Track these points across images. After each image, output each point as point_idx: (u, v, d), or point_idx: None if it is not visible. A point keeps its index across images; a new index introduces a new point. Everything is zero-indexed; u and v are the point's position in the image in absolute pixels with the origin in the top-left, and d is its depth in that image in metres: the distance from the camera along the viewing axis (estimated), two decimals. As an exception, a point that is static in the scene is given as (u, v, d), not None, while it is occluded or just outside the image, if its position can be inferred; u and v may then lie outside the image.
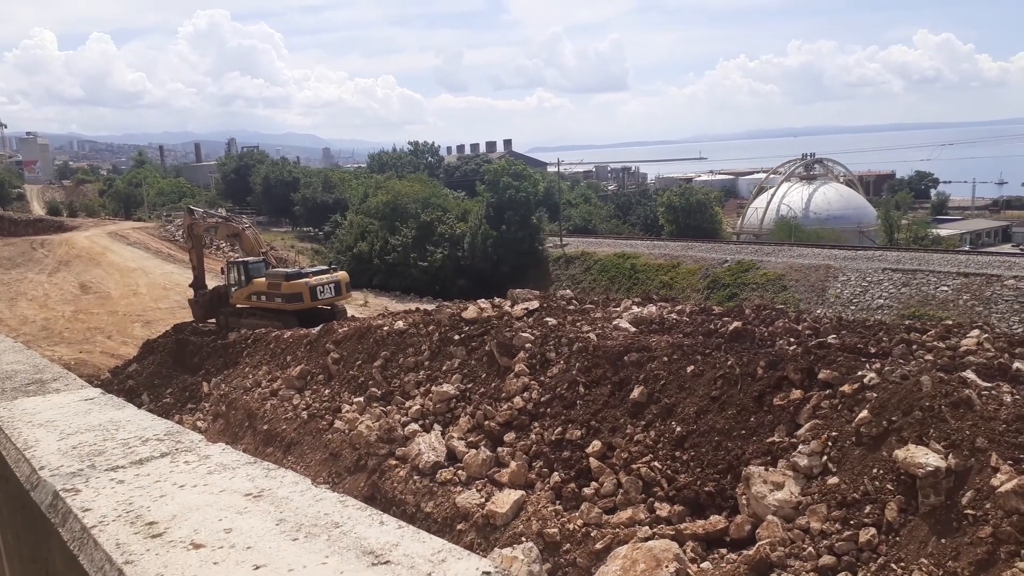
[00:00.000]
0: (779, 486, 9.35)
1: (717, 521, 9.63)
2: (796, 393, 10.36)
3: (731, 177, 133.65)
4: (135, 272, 47.76)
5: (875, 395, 9.53)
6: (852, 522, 8.53)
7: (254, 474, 1.80)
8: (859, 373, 10.05)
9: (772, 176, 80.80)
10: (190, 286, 29.00)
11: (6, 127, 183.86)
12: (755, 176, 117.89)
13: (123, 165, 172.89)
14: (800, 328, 12.50)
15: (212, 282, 29.66)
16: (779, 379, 10.73)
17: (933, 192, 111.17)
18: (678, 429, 11.05)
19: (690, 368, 11.73)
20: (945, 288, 35.03)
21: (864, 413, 9.35)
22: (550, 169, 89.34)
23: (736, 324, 12.58)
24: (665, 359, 12.08)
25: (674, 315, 14.59)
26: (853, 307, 36.57)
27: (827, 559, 8.32)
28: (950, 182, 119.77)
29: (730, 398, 10.96)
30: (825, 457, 9.36)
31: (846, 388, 9.92)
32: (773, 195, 70.38)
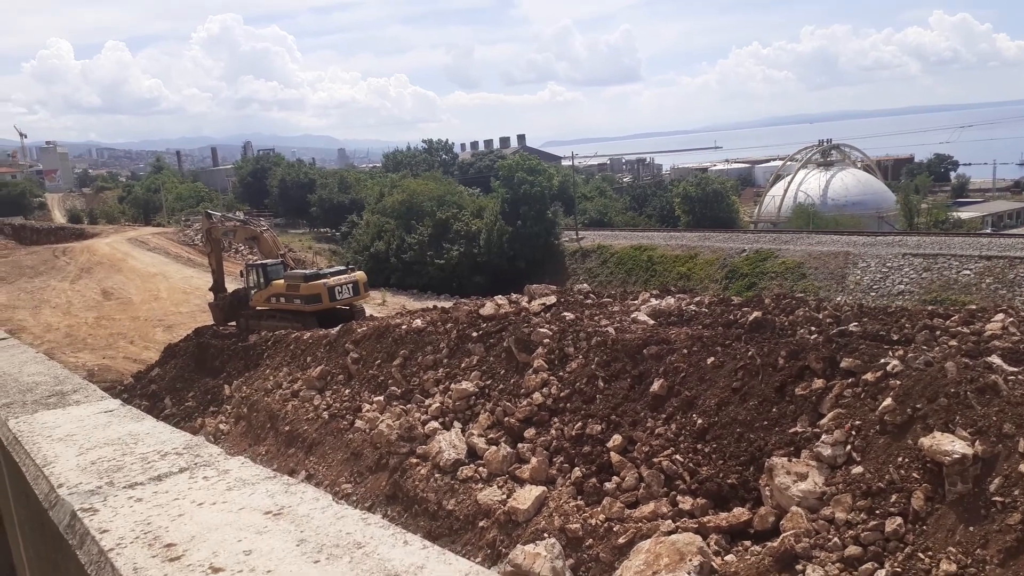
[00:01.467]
0: (803, 477, 9.26)
1: (740, 513, 9.57)
2: (818, 382, 10.25)
3: (747, 166, 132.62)
4: (156, 277, 48.21)
5: (899, 383, 9.41)
6: (878, 512, 8.43)
7: (274, 490, 1.76)
8: (882, 361, 9.94)
9: (789, 163, 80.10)
10: (210, 290, 29.20)
11: (26, 137, 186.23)
12: (771, 164, 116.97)
13: (141, 171, 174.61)
14: (821, 317, 12.38)
15: (232, 285, 29.87)
16: (801, 369, 10.63)
17: (953, 175, 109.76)
18: (699, 421, 10.99)
19: (710, 360, 11.65)
20: (967, 272, 34.57)
21: (888, 401, 9.24)
22: (564, 163, 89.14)
23: (756, 314, 12.48)
24: (685, 351, 12.00)
25: (693, 307, 14.50)
26: (873, 293, 36.21)
27: (853, 549, 8.23)
28: (970, 164, 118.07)
29: (751, 389, 10.87)
30: (849, 446, 9.26)
31: (869, 376, 9.80)
32: (790, 182, 69.79)
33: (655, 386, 11.83)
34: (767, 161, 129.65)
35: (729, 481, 10.09)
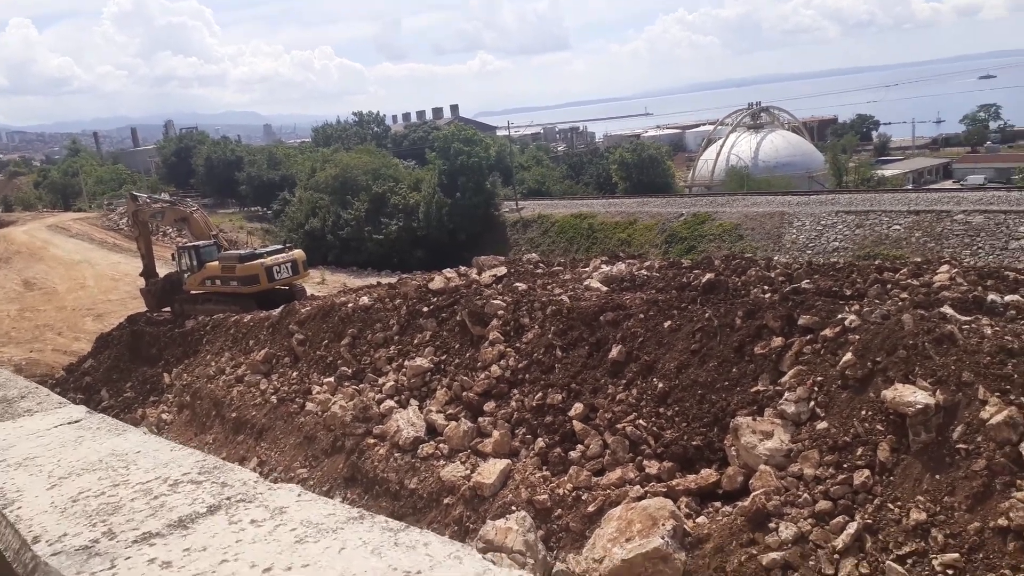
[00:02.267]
0: (768, 435, 9.31)
1: (708, 475, 9.58)
2: (777, 341, 10.30)
3: (678, 131, 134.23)
4: (80, 264, 46.12)
5: (857, 337, 9.51)
6: (845, 465, 8.52)
7: (375, 541, 1.24)
8: (839, 316, 10.03)
9: (719, 127, 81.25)
10: (140, 275, 28.01)
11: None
12: (701, 129, 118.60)
13: (56, 155, 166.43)
14: (773, 276, 12.46)
15: (163, 269, 28.68)
16: (758, 328, 10.66)
17: (875, 134, 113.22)
18: (660, 385, 10.95)
19: (667, 323, 11.61)
20: (897, 227, 35.70)
21: (848, 356, 9.33)
22: (499, 133, 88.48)
23: (709, 276, 12.48)
24: (641, 316, 11.94)
25: (644, 271, 14.46)
26: (809, 251, 37.09)
27: (823, 504, 8.31)
28: (890, 123, 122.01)
29: (710, 350, 10.87)
30: (812, 403, 9.33)
31: (827, 332, 9.89)
32: (722, 146, 70.83)
33: (613, 352, 11.74)
34: (697, 126, 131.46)
35: (694, 443, 10.09)
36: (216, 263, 24.60)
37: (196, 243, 25.82)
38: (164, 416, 20.17)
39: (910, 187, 60.32)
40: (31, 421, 2.27)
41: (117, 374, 23.63)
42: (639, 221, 44.82)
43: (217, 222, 43.19)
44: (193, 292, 25.77)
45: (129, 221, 41.33)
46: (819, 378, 9.51)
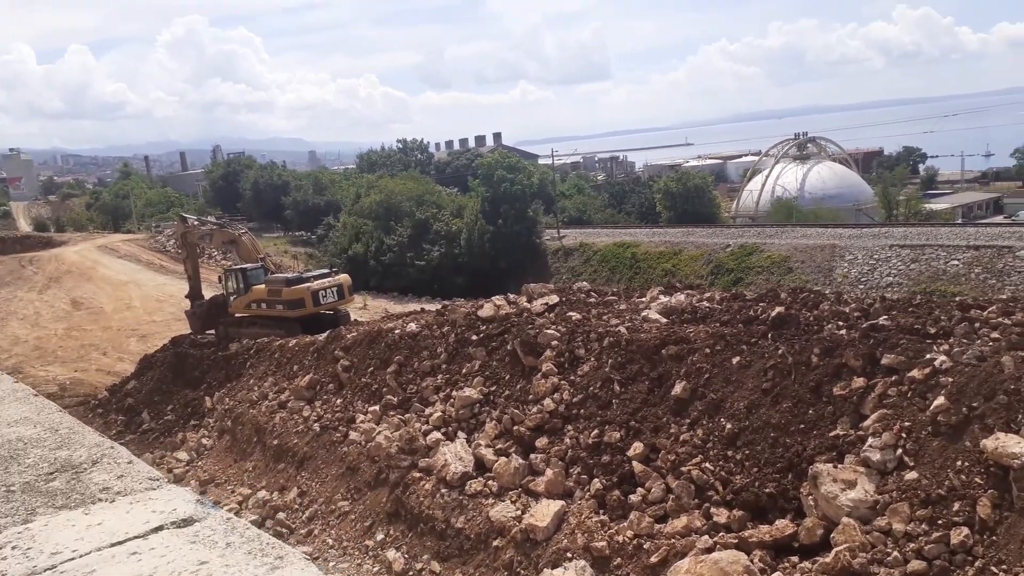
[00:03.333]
0: (851, 484, 8.58)
1: (784, 526, 8.86)
2: (858, 381, 9.58)
3: (719, 161, 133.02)
4: (127, 285, 46.68)
5: (950, 380, 8.77)
6: (940, 522, 7.77)
7: None
8: (927, 356, 9.29)
9: (764, 158, 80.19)
10: (186, 297, 28.05)
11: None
12: (744, 159, 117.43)
13: (108, 178, 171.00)
14: (847, 311, 11.73)
15: (208, 292, 28.71)
16: (837, 367, 9.96)
17: (922, 167, 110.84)
18: (728, 426, 10.27)
19: (736, 359, 10.95)
20: (955, 262, 34.39)
21: (940, 400, 8.59)
22: (540, 161, 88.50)
23: (778, 310, 11.80)
24: (707, 351, 11.29)
25: (705, 303, 13.81)
26: (862, 286, 35.92)
27: (917, 564, 7.56)
28: (938, 156, 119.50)
29: (784, 390, 10.18)
30: (900, 450, 8.59)
31: (915, 373, 9.15)
32: (767, 177, 69.73)
33: (677, 389, 11.10)
34: (739, 156, 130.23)
35: (767, 491, 9.38)
36: (262, 286, 24.47)
37: (243, 266, 25.76)
38: (204, 441, 19.91)
39: (959, 221, 58.55)
40: (113, 514, 1.74)
41: (159, 396, 23.49)
42: (684, 251, 43.99)
43: (262, 246, 43.51)
44: (238, 315, 25.66)
45: (177, 243, 41.76)
46: (907, 423, 8.77)
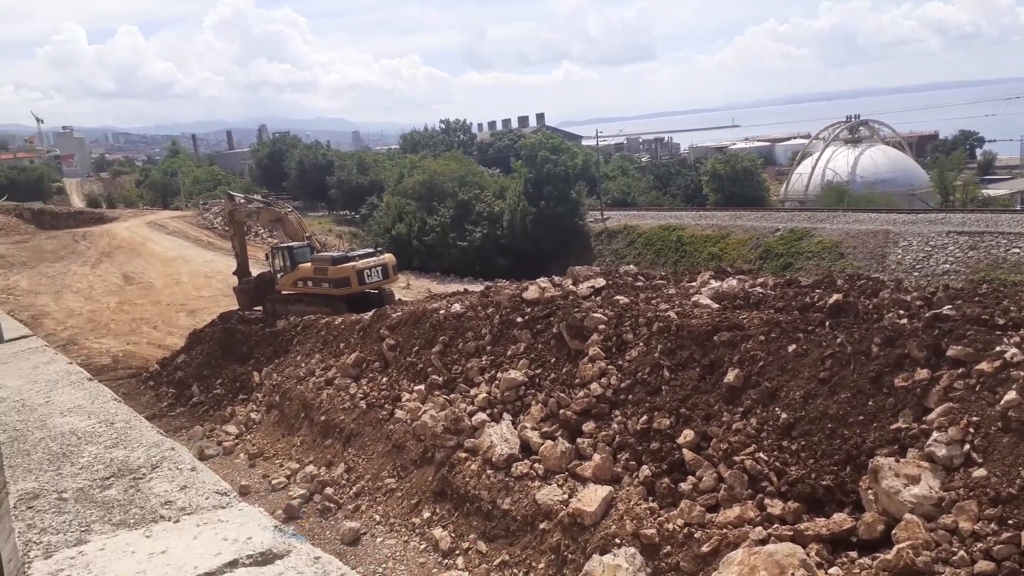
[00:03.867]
0: (914, 480, 8.29)
1: (843, 520, 8.61)
2: (922, 373, 9.25)
3: (767, 144, 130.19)
4: (176, 261, 47.59)
5: (1022, 374, 8.40)
6: (1011, 522, 7.46)
7: None
8: (998, 349, 8.91)
9: (814, 141, 78.28)
10: (234, 273, 28.44)
11: (43, 122, 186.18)
12: (792, 142, 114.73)
13: (157, 155, 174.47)
14: (908, 299, 11.32)
15: (255, 269, 29.09)
16: (899, 357, 9.62)
17: (979, 152, 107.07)
18: (783, 416, 10.02)
19: (791, 347, 10.66)
20: (1017, 250, 33.18)
21: (1012, 395, 8.23)
22: (584, 142, 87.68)
23: (836, 297, 11.44)
24: (761, 338, 11.02)
25: (758, 288, 13.48)
26: (916, 273, 34.90)
27: (984, 565, 7.28)
28: (996, 141, 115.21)
29: (842, 380, 9.88)
30: (967, 446, 8.27)
31: (984, 366, 8.79)
32: (817, 160, 68.08)
33: (730, 376, 10.85)
34: (788, 139, 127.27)
35: (824, 483, 9.13)
36: (309, 264, 24.68)
37: (290, 244, 26.00)
38: (253, 415, 20.22)
39: (1020, 207, 56.46)
40: (179, 539, 1.56)
41: (208, 370, 23.92)
42: (731, 235, 43.23)
43: (308, 224, 43.93)
44: (285, 292, 25.94)
45: (224, 220, 42.37)
46: (975, 418, 8.44)
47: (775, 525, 8.95)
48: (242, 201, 28.46)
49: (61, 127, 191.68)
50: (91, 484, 1.93)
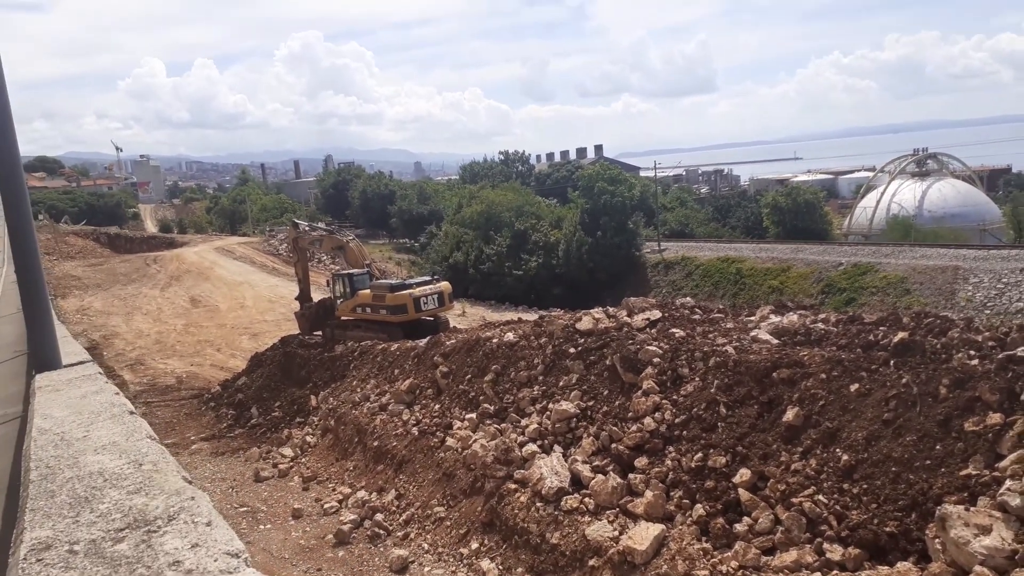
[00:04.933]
0: (985, 530, 7.86)
1: (907, 570, 8.21)
2: (994, 417, 8.81)
3: (830, 176, 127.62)
4: (242, 286, 48.95)
5: (1103, 422, 7.94)
6: (1091, 579, 7.01)
7: None
8: (1077, 395, 8.45)
9: (879, 174, 76.44)
10: (296, 299, 29.11)
11: (122, 151, 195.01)
12: (856, 175, 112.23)
13: (228, 183, 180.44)
14: (980, 339, 10.86)
15: (317, 295, 29.69)
16: (969, 400, 9.20)
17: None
18: (845, 458, 9.66)
19: (854, 387, 10.30)
20: (1098, 289, 31.66)
21: (1092, 444, 7.78)
22: (642, 174, 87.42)
23: (902, 335, 11.04)
24: (823, 376, 10.68)
25: (820, 324, 13.12)
26: (988, 311, 33.56)
27: (1062, 624, 6.85)
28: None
29: (907, 422, 9.49)
30: (1043, 496, 7.82)
31: (1061, 413, 8.34)
32: (882, 193, 66.43)
33: (789, 415, 10.54)
34: (851, 172, 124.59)
35: (887, 529, 8.74)
36: (367, 291, 25.10)
37: (350, 271, 26.50)
38: (308, 438, 20.49)
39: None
40: None
41: (268, 393, 24.41)
42: (792, 268, 42.37)
43: (368, 252, 44.72)
44: (344, 318, 26.39)
45: (289, 247, 43.45)
46: (1051, 467, 7.98)
47: (834, 571, 8.60)
48: (306, 229, 29.19)
49: (139, 155, 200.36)
50: (104, 536, 1.94)
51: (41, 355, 9.52)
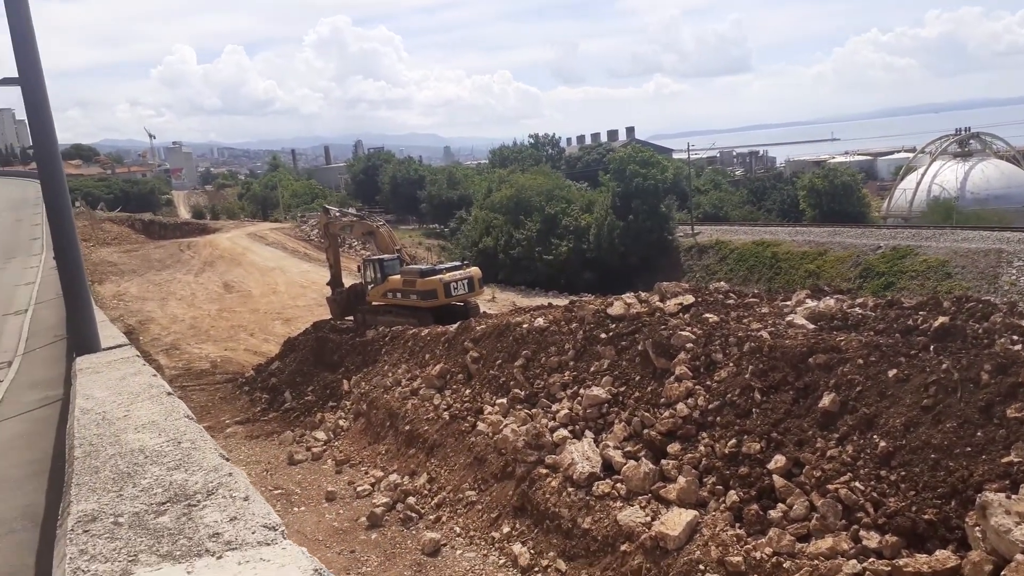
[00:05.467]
0: (1028, 519, 7.68)
1: (946, 558, 8.06)
2: (1038, 404, 8.58)
3: (868, 158, 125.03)
4: (274, 271, 49.45)
5: None
6: None
7: None
8: None
9: (920, 155, 74.73)
10: (327, 284, 29.32)
11: (155, 138, 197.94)
12: (895, 156, 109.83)
13: (259, 169, 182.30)
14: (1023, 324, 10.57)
15: (348, 280, 29.89)
16: (1012, 386, 8.96)
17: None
18: (882, 444, 9.48)
19: (892, 372, 10.09)
20: None
21: None
22: (675, 156, 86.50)
23: (942, 320, 10.79)
24: (860, 362, 10.48)
25: (857, 309, 12.87)
26: (1032, 295, 32.72)
27: (1109, 616, 6.66)
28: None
29: (947, 408, 9.28)
30: (1090, 485, 7.61)
31: (1110, 399, 8.08)
32: (923, 175, 64.96)
33: (825, 401, 10.37)
34: (891, 153, 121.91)
35: (925, 516, 8.57)
36: (398, 277, 25.18)
37: (381, 256, 26.60)
38: (341, 422, 20.70)
39: None
40: (219, 572, 1.54)
41: (300, 377, 24.68)
42: (830, 252, 41.66)
43: (399, 237, 44.89)
44: (375, 303, 26.53)
45: (320, 232, 43.77)
46: (1099, 455, 7.76)
47: (871, 559, 8.47)
48: (337, 215, 29.34)
49: (171, 142, 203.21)
50: (147, 509, 1.97)
51: (81, 338, 9.72)
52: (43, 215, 32.04)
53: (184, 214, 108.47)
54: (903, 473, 9.12)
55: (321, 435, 20.33)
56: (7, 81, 10.35)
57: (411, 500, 15.10)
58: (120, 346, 7.15)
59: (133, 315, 37.66)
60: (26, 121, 10.36)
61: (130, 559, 1.82)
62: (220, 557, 1.78)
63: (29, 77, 9.79)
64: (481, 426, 15.64)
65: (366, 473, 17.35)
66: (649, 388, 13.34)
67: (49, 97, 10.00)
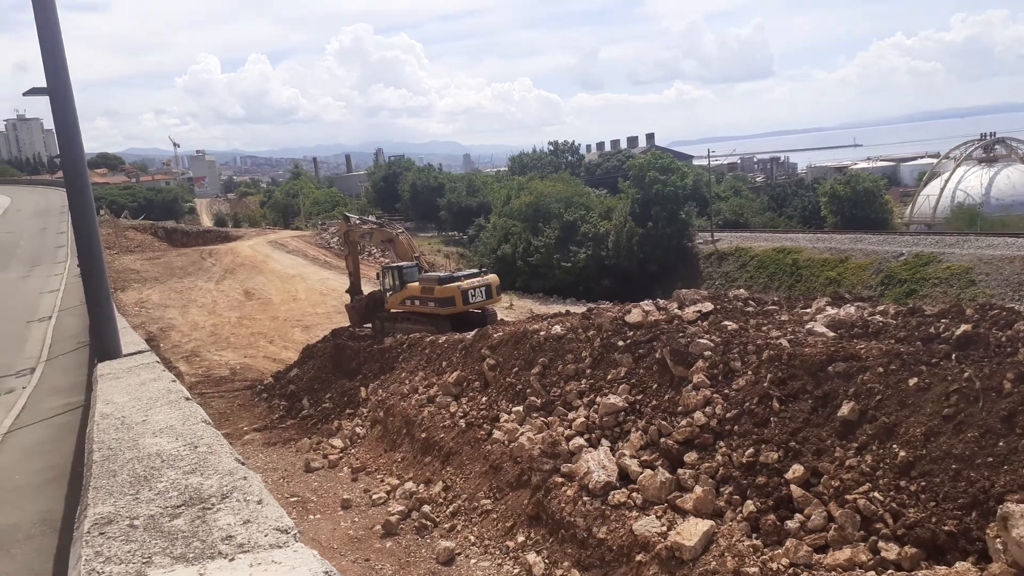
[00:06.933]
0: (1052, 532, 7.52)
1: (966, 570, 7.91)
2: (1062, 414, 8.42)
3: (891, 163, 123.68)
4: (294, 279, 49.79)
5: None
6: None
7: None
8: None
9: (944, 161, 73.87)
10: (347, 291, 29.45)
11: (179, 146, 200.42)
12: (919, 162, 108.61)
13: (281, 177, 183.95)
14: (1048, 332, 10.38)
15: (367, 287, 30.01)
16: (1035, 396, 8.80)
17: None
18: (902, 454, 9.34)
19: (912, 381, 9.95)
20: None
21: None
22: (696, 162, 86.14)
23: (964, 328, 10.62)
24: (880, 370, 10.34)
25: (878, 317, 12.71)
26: (1059, 303, 32.15)
27: None
28: None
29: (969, 418, 9.13)
30: (1116, 497, 7.45)
31: None
32: (947, 181, 64.22)
33: (844, 410, 10.24)
34: (914, 159, 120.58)
35: (945, 528, 8.43)
36: (416, 284, 25.24)
37: (399, 264, 26.69)
38: (358, 430, 20.75)
39: None
40: (231, 573, 1.56)
41: (318, 384, 24.80)
42: (851, 259, 41.26)
43: (418, 245, 45.04)
44: (393, 310, 26.61)
45: (340, 240, 44.04)
46: (1125, 467, 7.59)
47: (889, 571, 8.35)
48: (356, 222, 29.51)
49: (195, 151, 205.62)
50: (162, 512, 1.99)
51: (103, 344, 9.85)
52: (68, 223, 32.50)
53: (206, 222, 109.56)
54: (923, 483, 8.97)
55: (338, 442, 20.39)
56: (36, 91, 10.56)
57: (426, 508, 15.09)
58: (141, 352, 7.24)
59: (154, 322, 38.08)
60: (54, 131, 10.54)
61: (144, 561, 1.85)
62: (232, 559, 1.80)
63: (57, 87, 9.97)
64: (497, 434, 15.60)
65: (382, 481, 17.37)
66: (666, 396, 13.23)
67: (77, 107, 10.18)
